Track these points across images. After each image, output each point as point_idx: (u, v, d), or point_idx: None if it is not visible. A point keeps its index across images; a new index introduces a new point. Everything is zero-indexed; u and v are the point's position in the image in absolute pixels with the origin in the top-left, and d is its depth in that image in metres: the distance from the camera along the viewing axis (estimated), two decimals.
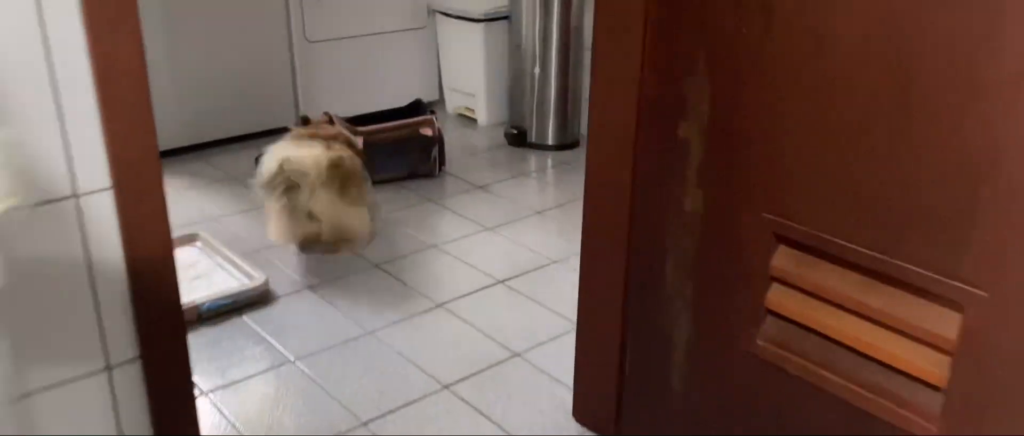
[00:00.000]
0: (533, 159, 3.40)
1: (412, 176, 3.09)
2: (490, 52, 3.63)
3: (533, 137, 3.47)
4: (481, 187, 3.06)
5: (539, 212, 2.85)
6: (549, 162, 3.36)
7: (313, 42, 3.52)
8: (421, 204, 2.91)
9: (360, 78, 3.71)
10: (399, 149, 3.02)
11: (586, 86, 3.54)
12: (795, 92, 1.21)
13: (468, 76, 3.74)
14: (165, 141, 3.20)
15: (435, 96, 4.00)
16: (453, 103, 3.91)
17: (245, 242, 2.56)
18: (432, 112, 3.09)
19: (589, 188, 1.61)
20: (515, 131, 3.49)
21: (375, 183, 3.02)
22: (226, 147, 3.41)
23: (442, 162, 3.13)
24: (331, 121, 2.74)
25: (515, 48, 3.44)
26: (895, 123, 1.11)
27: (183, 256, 2.43)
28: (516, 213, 2.84)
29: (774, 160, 1.26)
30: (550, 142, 3.46)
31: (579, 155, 3.40)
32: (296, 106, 3.58)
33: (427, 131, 3.04)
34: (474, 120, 3.81)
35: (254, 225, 2.67)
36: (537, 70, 3.38)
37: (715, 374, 1.46)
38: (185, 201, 2.87)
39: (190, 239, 2.51)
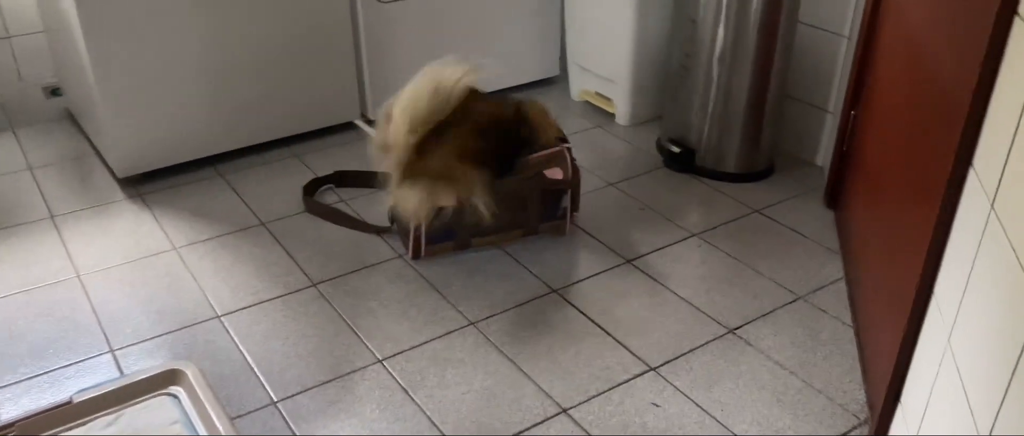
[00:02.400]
0: (706, 196, 2.25)
1: (529, 233, 2.01)
2: (644, 21, 2.44)
3: (703, 157, 2.32)
4: (630, 260, 1.96)
5: (736, 330, 1.74)
6: (729, 202, 2.21)
7: (385, 3, 2.41)
8: (535, 299, 1.83)
9: (450, 52, 2.59)
10: (512, 199, 1.93)
11: (802, 88, 2.31)
12: None
13: (607, 53, 2.57)
14: (193, 147, 2.23)
15: (554, 71, 2.85)
16: (579, 86, 2.76)
17: (260, 379, 1.57)
18: (563, 140, 1.96)
19: None
20: (676, 149, 2.34)
21: (474, 247, 1.98)
22: (269, 153, 2.40)
23: (575, 208, 2.03)
24: None
25: (685, 22, 2.24)
26: None
27: (145, 422, 1.45)
28: (697, 330, 1.74)
29: None
30: (731, 167, 2.30)
31: (775, 191, 2.23)
32: (360, 93, 2.51)
33: (556, 173, 1.93)
34: (610, 114, 2.67)
35: (293, 326, 1.67)
36: (719, 59, 2.19)
37: None
38: (208, 265, 1.88)
39: (168, 380, 1.53)
